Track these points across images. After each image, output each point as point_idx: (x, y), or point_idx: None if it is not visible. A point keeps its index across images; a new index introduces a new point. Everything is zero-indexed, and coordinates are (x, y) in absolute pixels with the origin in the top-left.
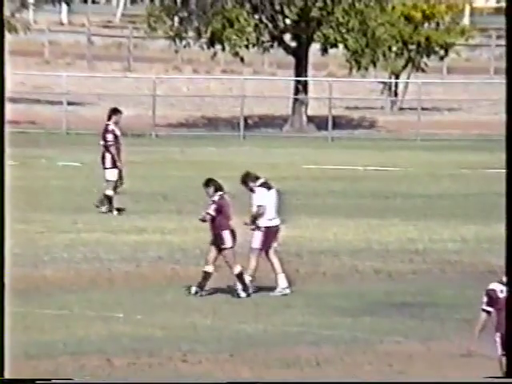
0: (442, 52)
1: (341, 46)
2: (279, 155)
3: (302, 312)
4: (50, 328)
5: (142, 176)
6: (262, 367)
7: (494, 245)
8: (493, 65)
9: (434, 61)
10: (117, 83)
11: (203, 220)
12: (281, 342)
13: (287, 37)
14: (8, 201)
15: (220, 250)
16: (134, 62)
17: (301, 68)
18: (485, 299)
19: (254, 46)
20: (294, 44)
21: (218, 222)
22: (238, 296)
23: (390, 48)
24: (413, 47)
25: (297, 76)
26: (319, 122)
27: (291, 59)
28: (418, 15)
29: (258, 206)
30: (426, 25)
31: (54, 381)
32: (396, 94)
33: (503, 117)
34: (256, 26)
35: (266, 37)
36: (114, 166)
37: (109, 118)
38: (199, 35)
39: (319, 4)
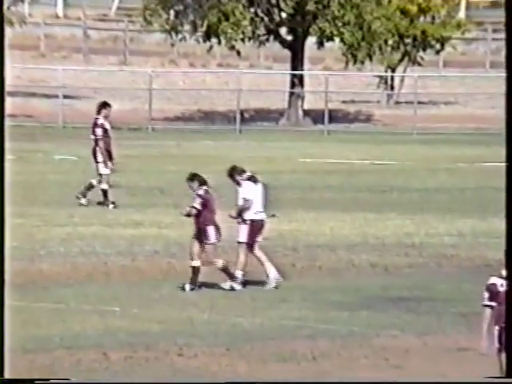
0: (437, 46)
1: (337, 39)
2: (275, 149)
3: (299, 306)
4: (47, 322)
5: (139, 170)
6: (259, 361)
7: (490, 239)
8: (489, 58)
9: (430, 54)
10: (113, 77)
11: (188, 215)
12: (277, 336)
13: (283, 30)
14: (6, 195)
15: (202, 244)
16: (130, 56)
17: (297, 62)
18: (486, 294)
19: (249, 39)
20: (289, 37)
21: (202, 216)
22: (233, 289)
23: (386, 42)
24: (409, 41)
25: (293, 70)
26: (315, 116)
27: (287, 53)
28: (414, 9)
29: (244, 199)
30: (421, 18)
31: (54, 381)
32: (392, 88)
33: (499, 111)
34: (252, 19)
35: (261, 30)
36: (109, 159)
37: (98, 112)
38: (195, 29)
39: None
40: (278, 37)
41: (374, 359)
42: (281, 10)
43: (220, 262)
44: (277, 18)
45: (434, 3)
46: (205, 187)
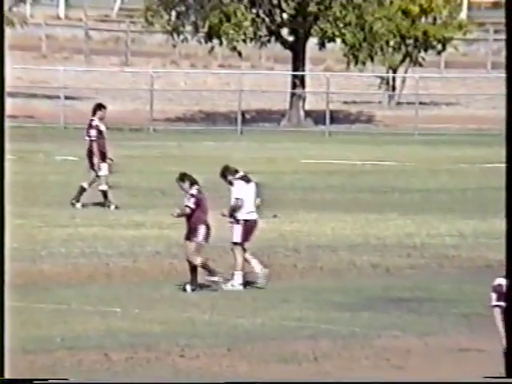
0: (439, 46)
1: (338, 40)
2: (277, 150)
3: (300, 307)
4: (48, 323)
5: (140, 170)
6: (260, 362)
7: (491, 239)
8: (490, 59)
9: (432, 55)
10: (114, 78)
11: (181, 215)
12: (278, 336)
13: (284, 31)
14: (6, 195)
15: (191, 241)
16: (132, 57)
17: (298, 62)
18: (493, 296)
19: (251, 40)
20: (291, 38)
21: (195, 215)
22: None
23: (387, 42)
24: (410, 42)
25: (294, 70)
26: (317, 117)
27: (289, 54)
28: (416, 9)
29: (236, 198)
30: (423, 19)
31: (53, 381)
32: (394, 89)
33: (501, 111)
34: (253, 20)
35: (263, 31)
36: (103, 160)
37: (93, 114)
38: (197, 30)
39: None
40: (279, 38)
41: (376, 360)
42: (282, 10)
43: (198, 260)
44: (278, 19)
45: (435, 4)
46: (197, 186)
